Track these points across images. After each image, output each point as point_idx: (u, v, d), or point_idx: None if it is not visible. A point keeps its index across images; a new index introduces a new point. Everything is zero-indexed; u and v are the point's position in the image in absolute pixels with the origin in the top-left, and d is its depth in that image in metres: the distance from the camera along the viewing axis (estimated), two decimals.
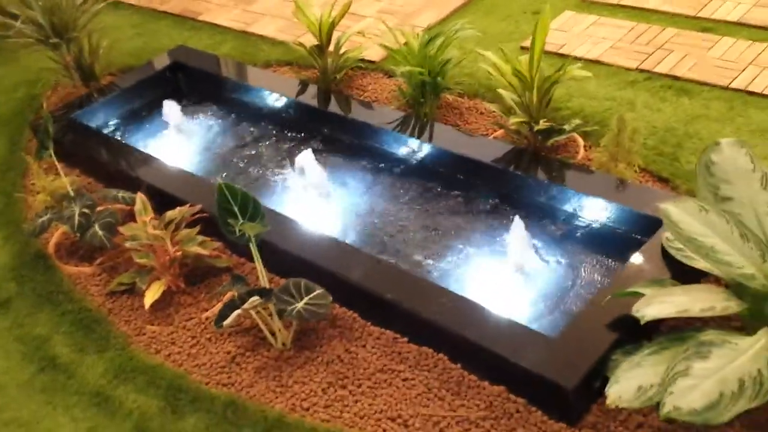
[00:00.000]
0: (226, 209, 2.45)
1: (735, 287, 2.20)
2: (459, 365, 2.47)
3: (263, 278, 2.60)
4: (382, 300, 2.60)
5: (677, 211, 2.09)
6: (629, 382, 1.99)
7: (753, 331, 2.02)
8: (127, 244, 2.95)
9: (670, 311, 2.00)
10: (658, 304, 2.03)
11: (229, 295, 2.74)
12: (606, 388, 2.02)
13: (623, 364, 2.05)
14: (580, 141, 3.29)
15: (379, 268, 2.73)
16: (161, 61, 4.33)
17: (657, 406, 1.86)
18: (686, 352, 1.88)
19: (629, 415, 2.23)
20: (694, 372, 1.85)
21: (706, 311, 2.00)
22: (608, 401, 1.99)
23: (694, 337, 1.92)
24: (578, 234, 2.88)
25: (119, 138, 3.90)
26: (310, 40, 3.91)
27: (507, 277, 2.76)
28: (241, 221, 2.42)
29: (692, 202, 2.11)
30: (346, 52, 3.93)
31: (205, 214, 3.02)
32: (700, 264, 2.33)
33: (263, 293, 2.53)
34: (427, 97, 3.55)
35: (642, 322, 1.99)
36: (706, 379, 1.84)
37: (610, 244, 2.79)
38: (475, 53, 3.79)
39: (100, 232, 3.07)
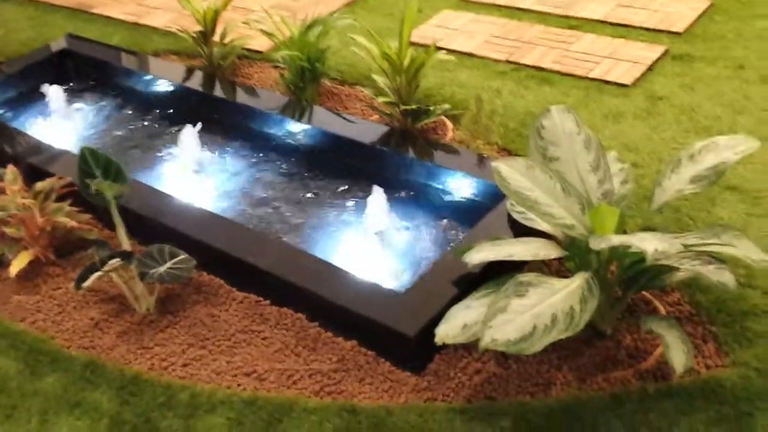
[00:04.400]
0: (86, 172, 2.51)
1: (566, 242, 2.38)
2: (317, 323, 2.57)
3: (125, 241, 2.66)
4: (244, 264, 2.68)
5: (507, 169, 2.25)
6: (456, 321, 2.14)
7: None
8: None
9: (496, 256, 2.16)
10: (486, 251, 2.19)
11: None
12: (435, 329, 2.15)
13: (454, 308, 2.19)
14: (449, 124, 3.47)
15: (243, 235, 2.82)
16: (49, 49, 4.33)
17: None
18: (506, 291, 2.04)
19: (468, 363, 2.37)
20: (512, 308, 2.00)
21: (529, 257, 2.16)
22: (436, 339, 2.13)
23: (514, 278, 2.07)
24: (434, 203, 3.04)
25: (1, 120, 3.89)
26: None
27: (366, 241, 2.88)
28: (100, 181, 2.47)
29: (521, 161, 2.28)
30: (232, 41, 4.02)
31: (76, 188, 3.05)
32: (540, 225, 2.50)
33: (124, 256, 2.59)
34: (307, 82, 3.67)
35: (470, 266, 2.14)
36: (521, 314, 1.99)
37: (464, 211, 2.95)
38: (354, 43, 3.93)
39: None
